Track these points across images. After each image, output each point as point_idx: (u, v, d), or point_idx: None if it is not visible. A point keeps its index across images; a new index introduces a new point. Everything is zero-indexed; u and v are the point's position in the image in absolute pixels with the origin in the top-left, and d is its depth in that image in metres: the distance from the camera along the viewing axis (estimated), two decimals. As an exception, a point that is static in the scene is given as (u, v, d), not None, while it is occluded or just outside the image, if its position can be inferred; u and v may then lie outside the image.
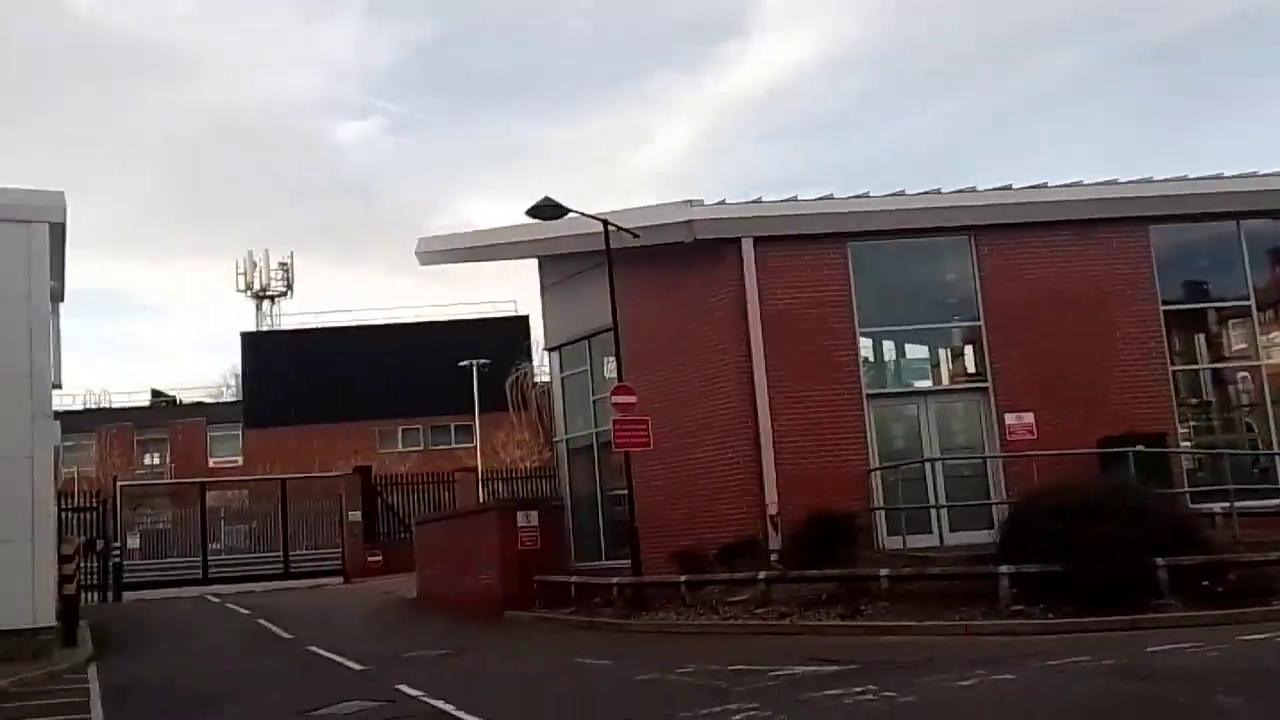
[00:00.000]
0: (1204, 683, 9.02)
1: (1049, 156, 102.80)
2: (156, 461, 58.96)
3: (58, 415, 21.76)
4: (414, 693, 12.18)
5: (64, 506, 29.56)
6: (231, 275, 67.90)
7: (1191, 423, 20.43)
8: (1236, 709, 7.93)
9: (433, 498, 37.96)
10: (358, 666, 15.08)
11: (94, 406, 61.06)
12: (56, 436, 21.00)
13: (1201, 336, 20.99)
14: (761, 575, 17.08)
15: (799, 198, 20.22)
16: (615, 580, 19.17)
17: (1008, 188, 19.93)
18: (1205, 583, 14.01)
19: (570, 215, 19.35)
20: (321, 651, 16.98)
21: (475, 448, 47.83)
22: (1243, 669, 9.62)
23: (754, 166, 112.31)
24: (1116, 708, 8.45)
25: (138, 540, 38.46)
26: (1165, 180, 19.81)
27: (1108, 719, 8.09)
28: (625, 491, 19.61)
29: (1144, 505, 14.26)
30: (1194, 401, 20.58)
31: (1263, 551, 14.62)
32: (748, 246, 19.26)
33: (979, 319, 19.51)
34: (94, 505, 34.10)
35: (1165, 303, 19.58)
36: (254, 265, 66.15)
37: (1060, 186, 19.88)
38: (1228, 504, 16.91)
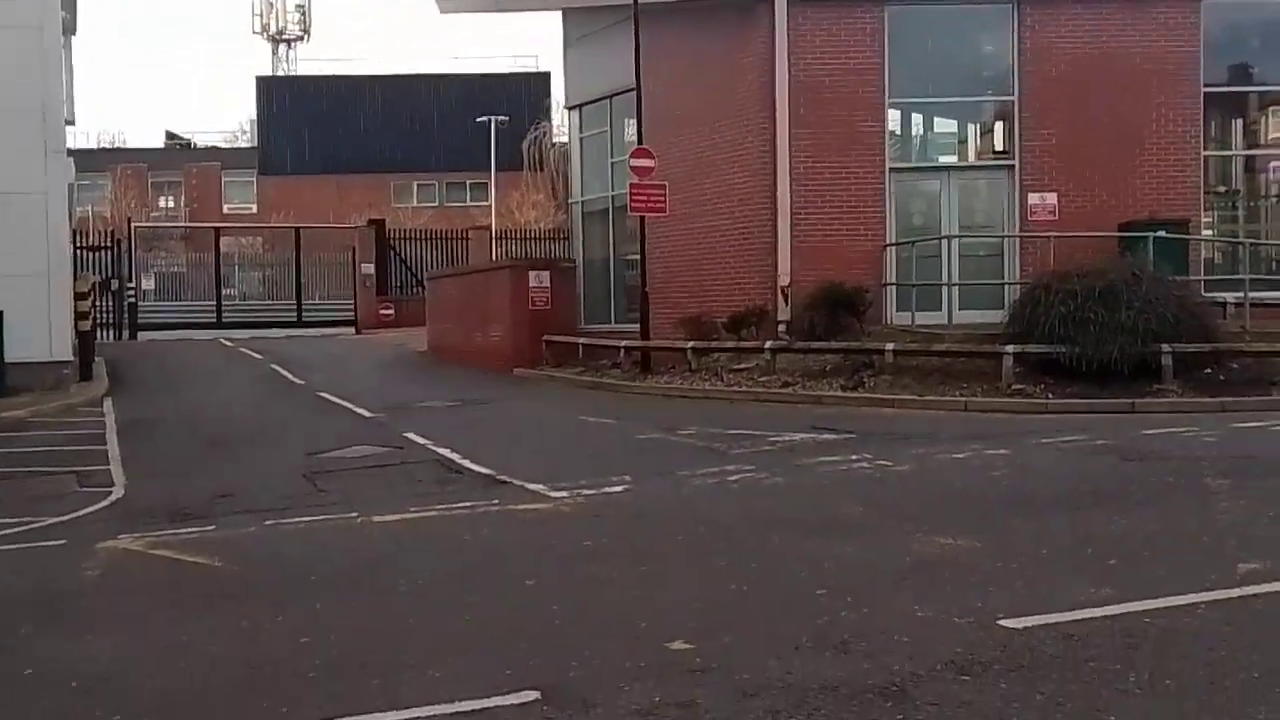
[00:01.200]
0: (1193, 465, 9.13)
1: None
2: (171, 204, 58.85)
3: (71, 153, 21.57)
4: (421, 440, 12.47)
5: (79, 245, 29.69)
6: (248, 16, 66.10)
7: (1217, 210, 20.06)
8: (1222, 492, 8.04)
9: (446, 254, 37.98)
10: (367, 413, 15.40)
11: (108, 146, 60.50)
12: (70, 173, 20.87)
13: (1239, 122, 20.33)
14: (768, 344, 17.16)
15: (837, -43, 19.25)
16: (623, 343, 19.32)
17: (1058, -47, 18.90)
18: (1208, 371, 14.08)
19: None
20: (332, 398, 17.31)
21: (490, 206, 47.55)
22: (1233, 454, 9.73)
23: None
24: (1104, 484, 8.58)
25: (152, 282, 38.89)
26: (1224, -47, 18.76)
27: (1095, 494, 8.21)
28: (638, 256, 19.52)
29: (1156, 292, 14.12)
30: (1222, 189, 20.15)
31: (1269, 342, 14.61)
32: (781, 6, 18.43)
33: (1013, 94, 18.85)
34: (109, 245, 34.21)
35: (1208, 85, 18.84)
36: (270, 6, 64.30)
37: (1112, -45, 18.84)
38: (1241, 294, 16.77)
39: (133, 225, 37.74)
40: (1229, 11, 19.02)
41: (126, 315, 33.33)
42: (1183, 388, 13.63)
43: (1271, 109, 20.22)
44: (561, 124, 40.01)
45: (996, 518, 7.68)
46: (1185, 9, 18.64)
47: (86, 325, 20.40)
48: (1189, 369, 13.93)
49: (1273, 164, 20.19)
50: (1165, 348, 13.72)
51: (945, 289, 17.80)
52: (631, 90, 19.23)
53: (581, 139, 23.90)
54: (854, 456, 10.29)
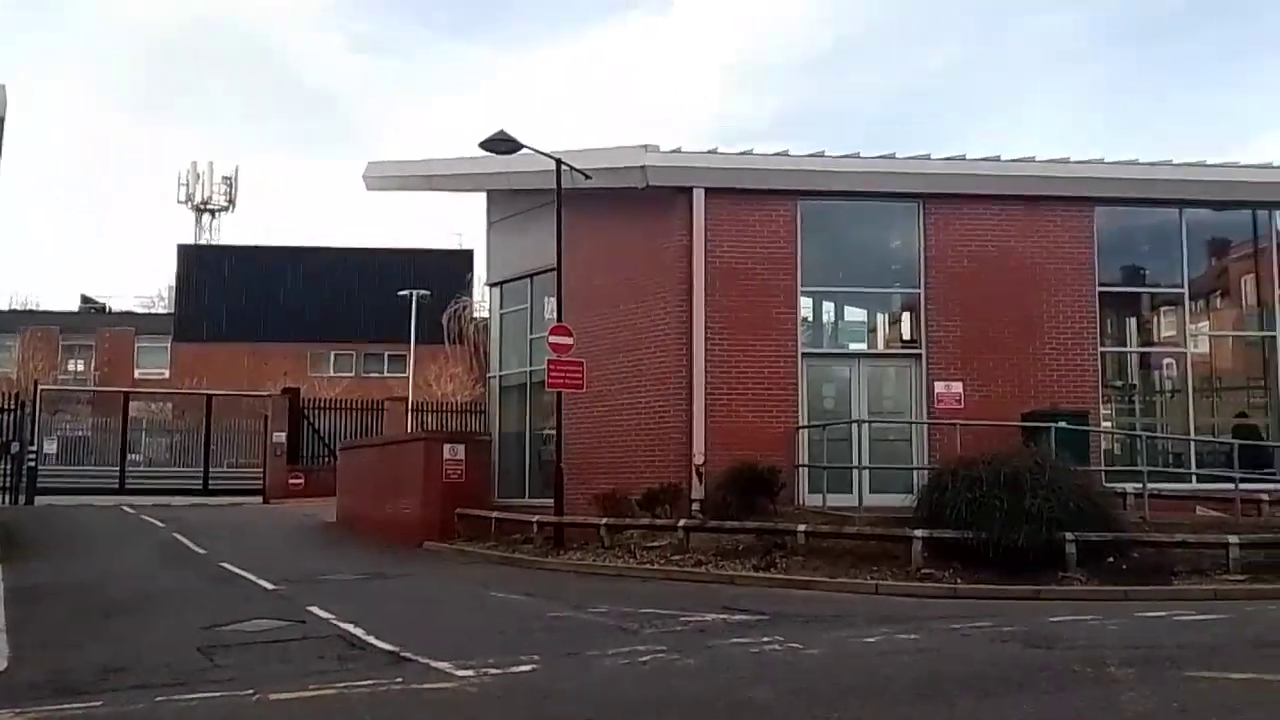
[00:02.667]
0: (1099, 654, 9.22)
1: (1010, 129, 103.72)
2: (81, 368, 57.86)
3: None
4: (324, 615, 12.14)
5: (-20, 406, 28.92)
6: (174, 185, 66.52)
7: (1115, 403, 20.82)
8: (1127, 680, 8.12)
9: (360, 424, 37.68)
10: (270, 585, 14.98)
11: (20, 308, 59.71)
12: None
13: (1133, 320, 21.32)
14: (681, 523, 17.19)
15: (754, 151, 20.16)
16: (537, 518, 19.19)
17: (961, 158, 19.99)
18: (1111, 559, 14.35)
19: (523, 151, 19.10)
20: (235, 569, 16.83)
21: (408, 378, 47.49)
22: (1137, 644, 9.85)
23: (717, 117, 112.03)
24: (1013, 672, 8.62)
25: (55, 445, 37.80)
26: (1114, 163, 19.98)
27: (1004, 681, 8.24)
28: (554, 431, 19.59)
29: (1060, 480, 14.49)
30: (1119, 383, 20.98)
31: (1168, 533, 15.01)
32: (699, 197, 19.20)
33: (919, 286, 19.62)
34: (11, 407, 33.35)
35: (1102, 284, 19.82)
36: (197, 177, 65.03)
37: (1012, 161, 19.96)
38: (1140, 485, 17.28)
39: (38, 388, 36.92)
40: (1120, 216, 20.18)
41: (25, 479, 32.28)
42: (1087, 575, 13.88)
43: (1163, 309, 21.24)
44: (482, 299, 40.49)
45: (906, 704, 7.66)
46: (1079, 213, 19.74)
47: (-19, 489, 19.74)
48: (1092, 557, 14.20)
49: (1165, 360, 21.10)
50: (1069, 535, 14.01)
51: (856, 472, 18.06)
52: (552, 270, 19.65)
53: (502, 315, 24.20)
54: (766, 638, 10.23)
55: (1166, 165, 20.06)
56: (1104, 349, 20.00)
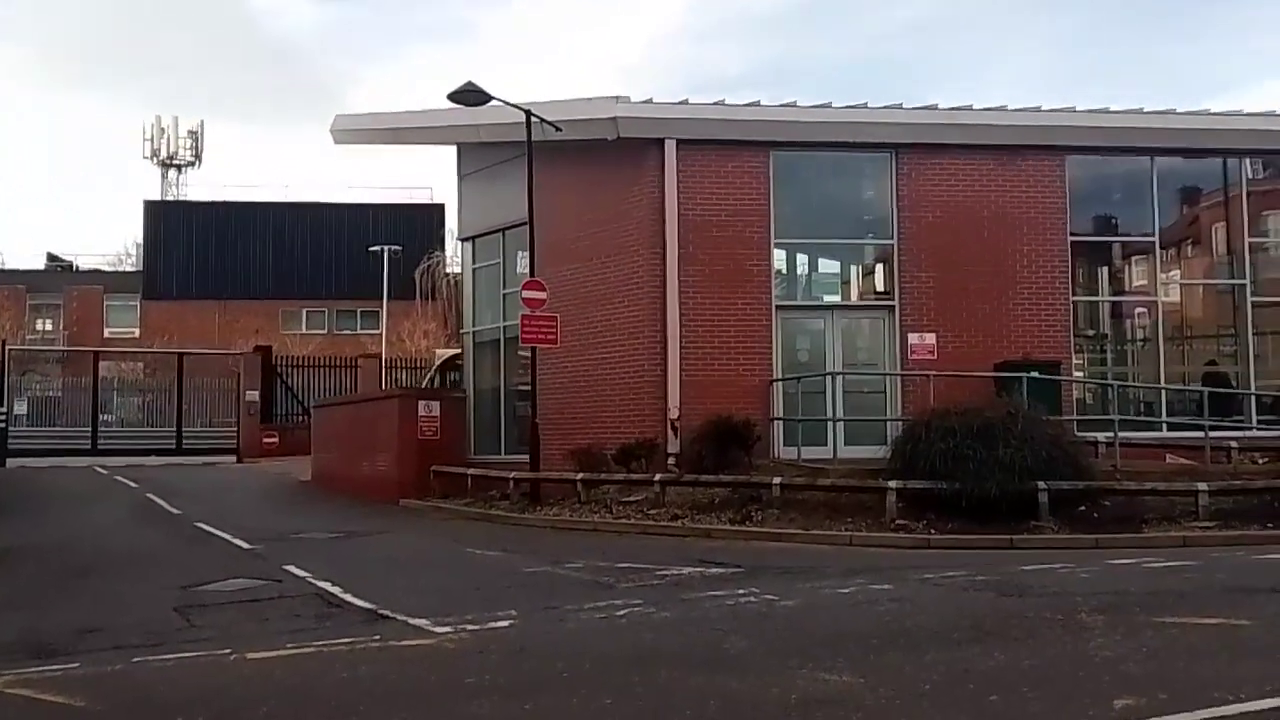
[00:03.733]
0: (1070, 602, 9.31)
1: (982, 77, 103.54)
2: (49, 328, 57.24)
3: (-57, 273, 20.96)
4: (301, 573, 12.15)
5: (-52, 367, 28.64)
6: (139, 141, 65.59)
7: (1086, 353, 20.95)
8: (1097, 626, 8.20)
9: (334, 382, 37.57)
10: (246, 545, 14.97)
11: (-16, 267, 58.92)
12: (-59, 294, 20.26)
13: (1105, 269, 21.41)
14: (657, 477, 17.23)
15: (726, 102, 20.03)
16: (513, 475, 19.20)
17: (933, 107, 19.94)
18: (1082, 508, 14.50)
19: (493, 103, 18.90)
20: (210, 529, 16.81)
21: (381, 335, 47.30)
22: (1108, 591, 9.96)
23: (690, 66, 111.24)
24: (984, 620, 8.69)
25: (25, 406, 37.46)
26: (1086, 111, 19.99)
27: (976, 631, 8.31)
28: (528, 387, 19.56)
29: (1032, 430, 14.58)
30: (1090, 333, 21.10)
31: (1138, 481, 15.17)
32: (670, 148, 19.09)
33: (892, 238, 19.64)
34: (-20, 368, 33.03)
35: (1074, 233, 19.89)
36: (162, 132, 64.05)
37: (984, 110, 19.93)
38: (1111, 434, 17.43)
39: (6, 348, 36.54)
40: (1092, 165, 20.20)
41: (-4, 441, 32.01)
42: (1059, 524, 14.01)
43: (1134, 258, 21.33)
44: (455, 254, 40.31)
45: (880, 653, 7.72)
46: (1051, 162, 19.75)
47: (-49, 451, 19.58)
48: (1064, 506, 14.33)
49: (1137, 310, 21.22)
50: (1041, 485, 14.13)
51: (830, 424, 18.14)
52: (524, 224, 19.54)
53: (474, 270, 24.08)
54: (741, 591, 10.29)
55: (1138, 113, 20.08)
56: (1076, 298, 20.10)
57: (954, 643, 7.90)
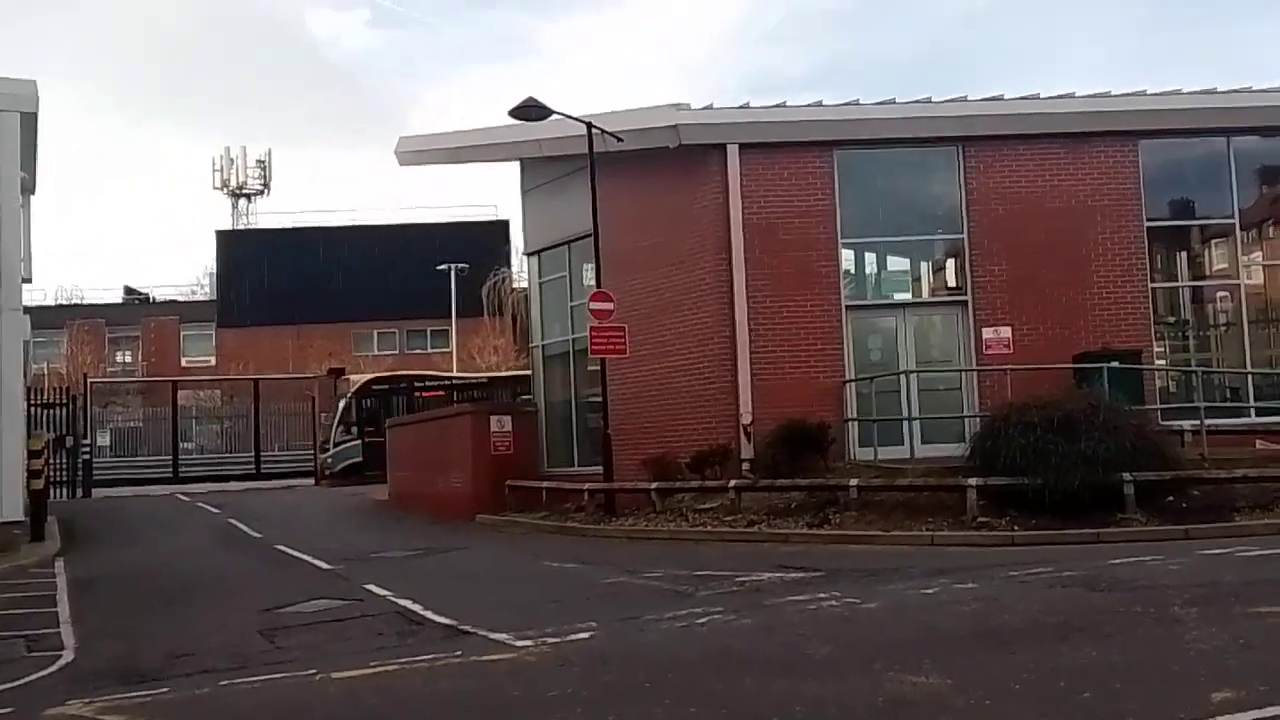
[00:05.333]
0: (1161, 595, 9.07)
1: (1047, 66, 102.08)
2: (128, 359, 58.54)
3: (27, 310, 21.49)
4: (381, 591, 12.22)
5: (33, 402, 29.38)
6: (208, 172, 66.93)
7: (1168, 340, 20.44)
8: (1191, 620, 7.97)
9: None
10: (326, 566, 15.11)
11: (65, 302, 60.32)
12: (26, 331, 20.76)
13: (1183, 254, 20.90)
14: (732, 484, 17.12)
15: (787, 104, 19.90)
16: (586, 486, 19.20)
17: (999, 98, 19.60)
18: (1170, 498, 14.14)
19: (554, 117, 18.99)
20: (291, 551, 17.00)
21: (451, 352, 47.71)
22: (1200, 582, 9.69)
23: (753, 70, 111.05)
24: (1074, 617, 8.49)
25: (108, 437, 38.38)
26: (1157, 94, 19.53)
27: (1065, 628, 8.11)
28: (599, 398, 19.55)
29: (1114, 421, 14.27)
30: (1171, 319, 20.58)
31: (1227, 469, 14.73)
32: (733, 153, 18.99)
33: (962, 232, 19.34)
34: (64, 402, 33.86)
35: (1150, 219, 19.44)
36: (231, 162, 65.24)
37: (1051, 98, 19.54)
38: (1198, 422, 16.98)
39: (89, 381, 37.43)
40: (1166, 149, 19.72)
41: (81, 472, 32.79)
42: (1146, 516, 13.68)
43: (1213, 241, 20.79)
44: (521, 269, 40.59)
45: (967, 653, 7.56)
46: (1123, 148, 19.33)
47: (39, 484, 20.04)
48: (1151, 497, 13.99)
49: (1219, 294, 20.68)
50: (1126, 476, 13.80)
51: (906, 424, 17.89)
52: (589, 235, 19.55)
53: (541, 284, 24.15)
54: (822, 595, 10.16)
55: (1212, 94, 19.58)
56: (1154, 285, 19.63)
57: (1043, 640, 7.72)
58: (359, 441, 33.86)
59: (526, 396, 31.29)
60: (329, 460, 34.10)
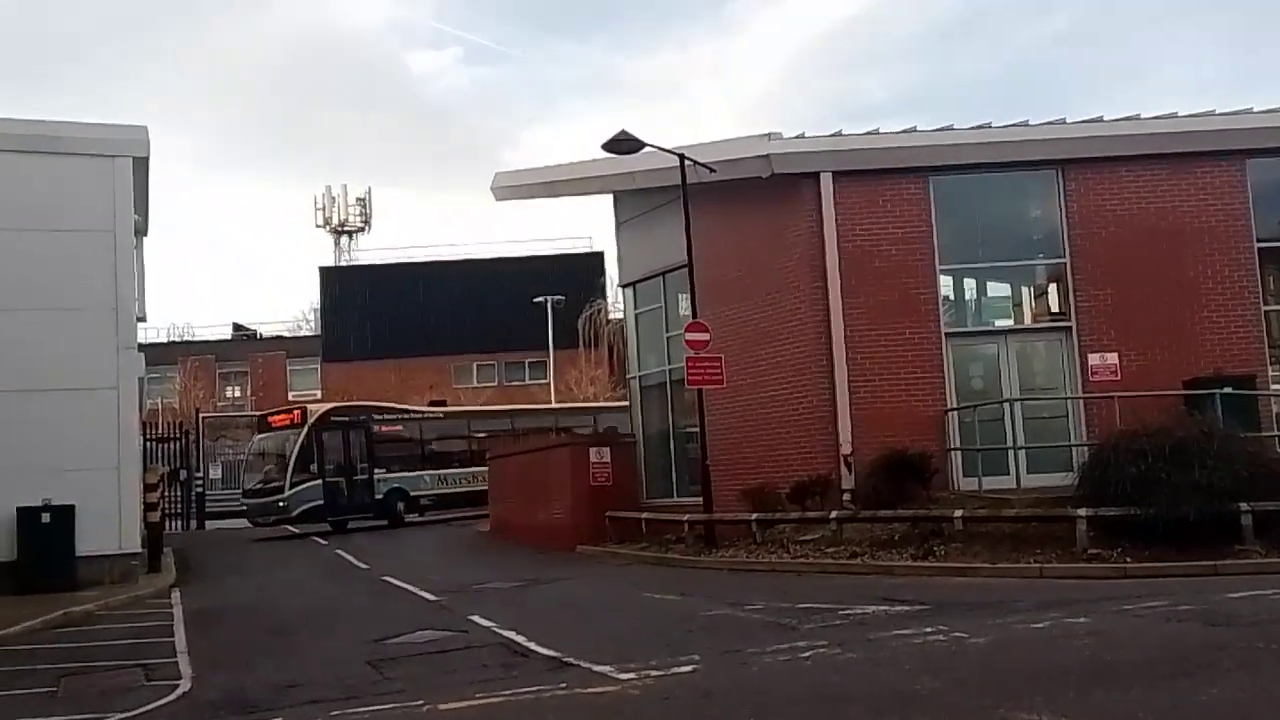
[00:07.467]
0: (1286, 630, 8.76)
1: (1144, 87, 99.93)
2: (238, 394, 60.19)
3: (141, 347, 22.28)
4: (486, 623, 12.35)
5: (148, 436, 30.35)
6: (311, 210, 68.70)
7: (1284, 365, 19.76)
8: (1320, 657, 7.69)
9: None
10: (431, 597, 15.31)
11: (177, 339, 62.35)
12: (140, 368, 21.51)
13: (1298, 276, 20.22)
14: (833, 514, 16.98)
15: (880, 130, 19.80)
16: (686, 517, 19.19)
17: (1098, 119, 19.28)
18: (1291, 529, 13.63)
19: (646, 149, 19.15)
20: (396, 582, 17.27)
21: (549, 384, 48.09)
22: (1328, 617, 9.34)
23: (837, 97, 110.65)
24: (1192, 652, 8.24)
25: (220, 470, 39.40)
26: (1264, 112, 19.00)
27: (1183, 662, 7.88)
28: (697, 429, 19.56)
29: (1229, 449, 13.84)
30: (1287, 343, 19.89)
31: (1352, 498, 14.14)
32: (826, 181, 18.95)
33: (1064, 256, 19.01)
34: (177, 435, 34.94)
35: (1260, 239, 18.88)
36: (332, 200, 66.85)
37: (1153, 119, 19.15)
38: (1318, 449, 16.37)
39: (200, 416, 38.52)
40: (1273, 167, 19.13)
41: (194, 505, 33.72)
42: (1266, 547, 13.23)
43: (1329, 261, 20.06)
44: (616, 301, 40.86)
45: (1082, 690, 7.38)
46: (1231, 167, 18.84)
47: (155, 516, 20.69)
48: (1270, 528, 13.52)
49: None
50: (1244, 506, 13.38)
51: (1011, 452, 17.57)
52: (683, 266, 19.63)
53: (636, 315, 24.29)
54: (929, 628, 10.00)
55: (1322, 108, 18.98)
56: (1268, 308, 19.01)
57: (1161, 677, 7.51)
58: (319, 481, 29.69)
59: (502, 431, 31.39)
60: (281, 504, 29.28)
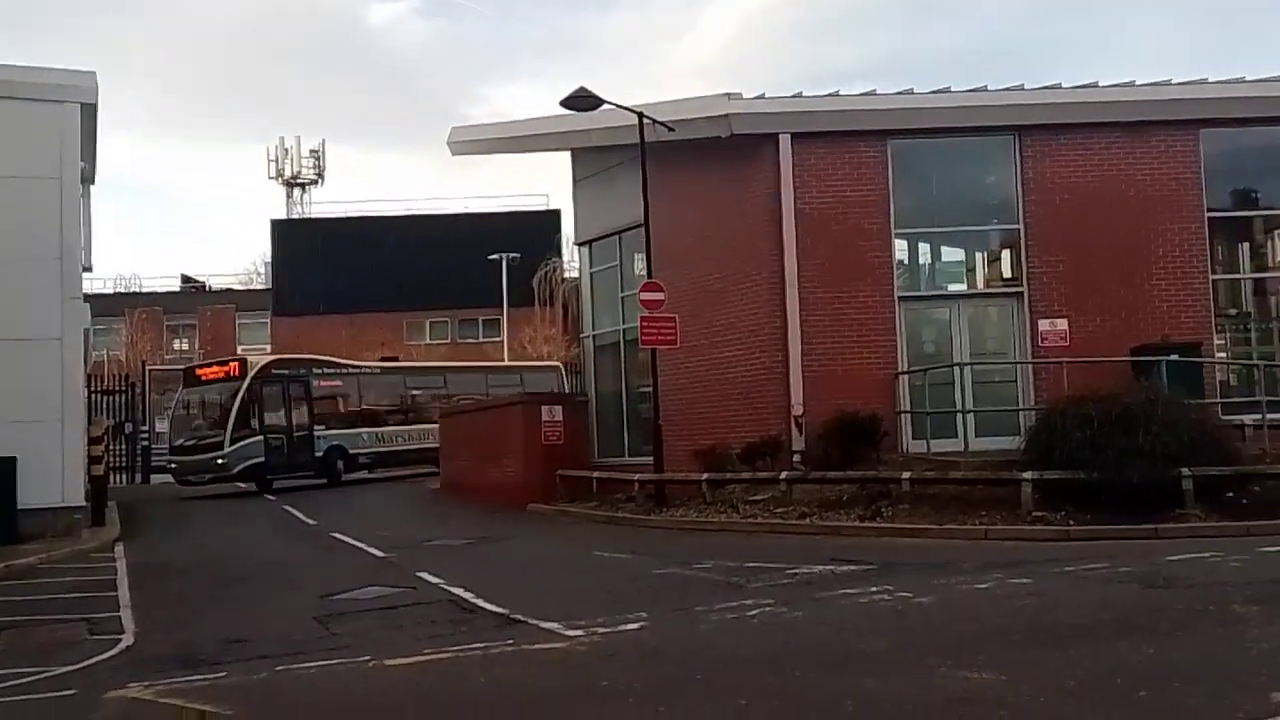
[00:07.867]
0: (1221, 592, 8.93)
1: (1104, 56, 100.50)
2: (186, 347, 59.38)
3: (87, 298, 21.91)
4: (433, 580, 12.32)
5: (93, 389, 29.90)
6: (263, 162, 67.73)
7: (1229, 333, 20.07)
8: (1252, 618, 7.84)
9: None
10: (380, 553, 15.25)
11: (124, 290, 61.33)
12: (86, 319, 21.15)
13: (1246, 245, 20.48)
14: (783, 475, 17.06)
15: (841, 93, 19.76)
16: (637, 476, 19.22)
17: (1056, 86, 19.35)
18: (1230, 494, 13.90)
19: (605, 107, 18.99)
20: (345, 538, 17.18)
21: (502, 342, 47.91)
22: (1262, 579, 9.54)
23: (799, 60, 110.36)
24: (1131, 613, 8.38)
25: (166, 424, 38.93)
26: (1219, 82, 19.15)
27: (1121, 623, 8.01)
28: (650, 389, 19.56)
29: (1174, 415, 14.05)
30: (1233, 312, 20.19)
31: (1291, 465, 14.45)
32: (785, 142, 18.89)
33: (1018, 222, 19.11)
34: (123, 389, 34.46)
35: (1211, 209, 19.08)
36: (285, 152, 65.90)
37: (1110, 86, 19.26)
38: (1259, 416, 16.66)
39: (147, 368, 38.01)
40: (1228, 138, 19.32)
41: (140, 459, 33.32)
42: (1205, 512, 13.46)
43: (1276, 232, 20.38)
44: (572, 259, 40.65)
45: (1022, 649, 7.49)
46: (1184, 137, 18.98)
47: (100, 470, 20.41)
48: (1211, 493, 13.76)
49: (1282, 285, 20.26)
50: (1186, 472, 13.59)
51: (960, 416, 17.73)
52: (640, 226, 19.55)
53: (592, 274, 24.20)
54: (874, 588, 10.10)
55: (1274, 82, 19.15)
56: (1215, 277, 19.26)
57: (1099, 637, 7.63)
58: (260, 438, 28.01)
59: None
60: (220, 461, 27.36)
